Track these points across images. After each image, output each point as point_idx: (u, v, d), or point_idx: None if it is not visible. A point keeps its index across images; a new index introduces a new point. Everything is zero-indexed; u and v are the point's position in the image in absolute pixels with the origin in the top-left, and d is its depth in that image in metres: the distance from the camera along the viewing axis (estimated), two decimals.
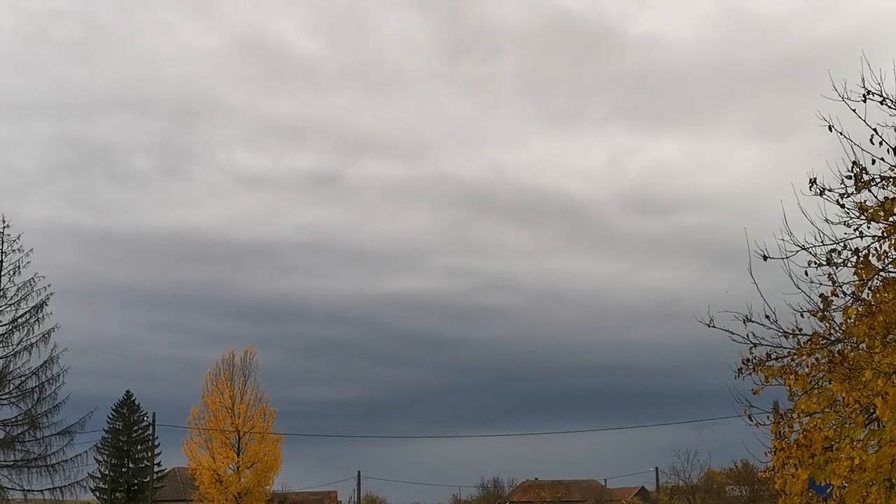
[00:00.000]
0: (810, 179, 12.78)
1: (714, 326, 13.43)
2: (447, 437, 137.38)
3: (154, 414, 62.78)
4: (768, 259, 12.91)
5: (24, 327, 45.63)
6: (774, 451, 13.69)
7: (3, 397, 45.22)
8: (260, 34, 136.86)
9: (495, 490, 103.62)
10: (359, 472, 76.17)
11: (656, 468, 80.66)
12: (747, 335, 13.37)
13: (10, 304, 45.54)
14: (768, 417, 13.90)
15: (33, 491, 45.47)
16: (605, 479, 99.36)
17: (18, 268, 45.65)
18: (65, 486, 45.85)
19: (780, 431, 13.58)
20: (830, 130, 12.38)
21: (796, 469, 13.04)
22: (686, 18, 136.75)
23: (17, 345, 45.52)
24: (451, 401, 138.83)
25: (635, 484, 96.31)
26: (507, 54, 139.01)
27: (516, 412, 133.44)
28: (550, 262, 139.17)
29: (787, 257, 13.01)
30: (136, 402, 70.31)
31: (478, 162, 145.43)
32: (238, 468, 56.25)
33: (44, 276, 46.20)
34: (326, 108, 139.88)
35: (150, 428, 64.03)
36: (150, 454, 66.20)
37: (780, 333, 13.38)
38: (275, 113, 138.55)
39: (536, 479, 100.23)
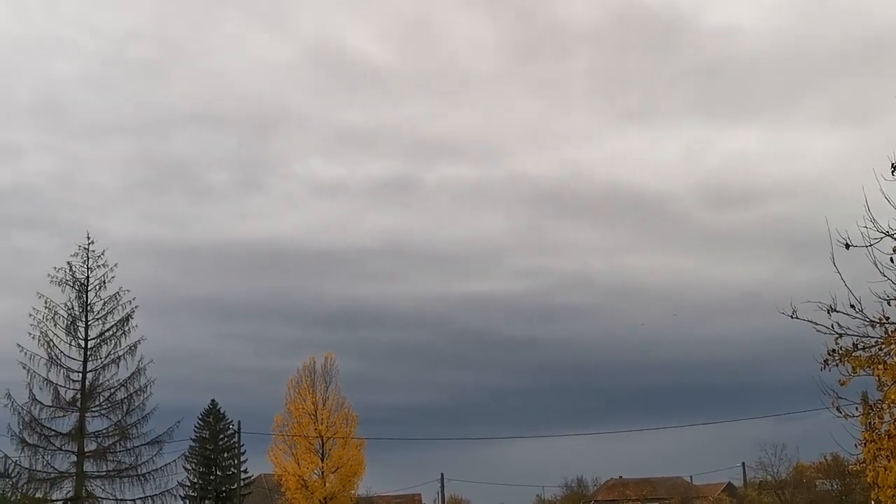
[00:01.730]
0: (892, 164, 12.50)
1: (797, 318, 13.21)
2: (529, 438, 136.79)
3: (239, 422, 63.71)
4: (851, 247, 12.65)
5: (111, 340, 46.69)
6: (865, 443, 13.40)
7: (93, 409, 46.33)
8: (331, 44, 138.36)
9: (579, 489, 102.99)
10: (442, 474, 76.44)
11: (743, 463, 79.40)
12: (832, 325, 13.12)
13: (98, 319, 46.63)
14: (857, 409, 13.61)
15: (126, 500, 46.42)
16: (691, 476, 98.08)
17: (104, 283, 46.77)
18: (156, 494, 46.72)
19: (870, 423, 13.29)
20: None
21: (889, 461, 12.74)
22: (759, 6, 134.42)
23: (106, 358, 46.59)
24: (531, 401, 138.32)
25: (722, 480, 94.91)
26: (578, 52, 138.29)
27: (597, 411, 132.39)
28: (627, 259, 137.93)
29: (870, 245, 12.74)
30: (222, 411, 71.51)
31: (551, 161, 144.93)
32: (323, 473, 56.82)
33: (128, 290, 47.29)
34: (398, 115, 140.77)
35: (236, 436, 64.97)
36: (236, 462, 67.16)
37: (866, 323, 13.10)
38: (348, 121, 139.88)
39: (621, 477, 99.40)
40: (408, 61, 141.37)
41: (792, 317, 13.21)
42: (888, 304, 12.96)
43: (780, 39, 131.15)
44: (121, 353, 46.63)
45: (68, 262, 46.40)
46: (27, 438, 45.26)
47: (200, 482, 69.26)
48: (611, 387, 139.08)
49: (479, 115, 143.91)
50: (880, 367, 12.88)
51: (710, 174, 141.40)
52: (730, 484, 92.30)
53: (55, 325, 45.98)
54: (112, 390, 46.62)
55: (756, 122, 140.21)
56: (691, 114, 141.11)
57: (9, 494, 42.76)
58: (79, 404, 45.82)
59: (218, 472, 70.41)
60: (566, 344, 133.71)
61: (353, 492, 59.07)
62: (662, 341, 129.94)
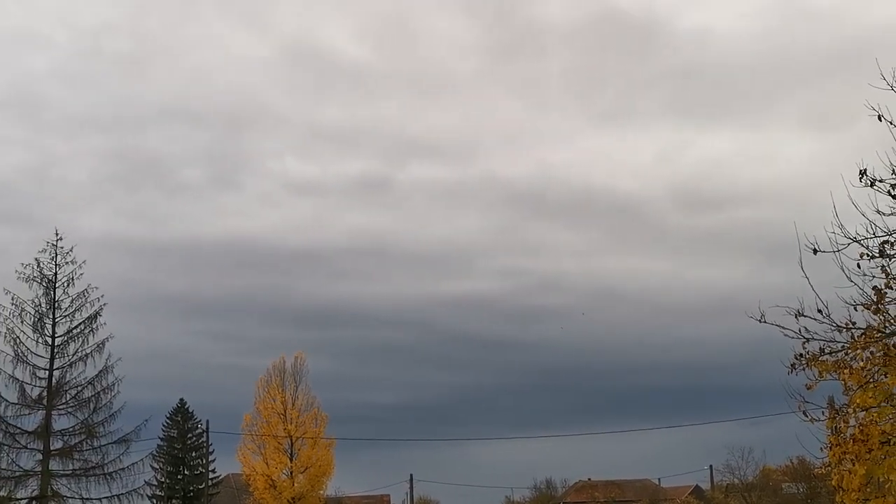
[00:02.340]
0: (860, 171, 12.62)
1: (765, 322, 13.31)
2: (499, 440, 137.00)
3: (208, 421, 63.39)
4: (819, 252, 12.75)
5: (78, 338, 46.29)
6: (830, 447, 13.51)
7: (60, 407, 45.93)
8: (308, 41, 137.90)
9: (548, 491, 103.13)
10: (411, 475, 76.35)
11: (710, 466, 79.95)
12: (800, 330, 13.23)
13: (65, 316, 46.23)
14: (823, 413, 13.73)
15: (92, 499, 46.06)
16: (659, 479, 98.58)
17: (72, 279, 46.37)
18: (122, 493, 46.39)
19: (835, 427, 13.41)
20: (880, 120, 12.21)
21: (853, 464, 12.85)
22: (735, 11, 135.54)
23: (73, 355, 46.19)
24: (504, 402, 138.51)
25: (689, 483, 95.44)
26: (555, 53, 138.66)
27: (569, 413, 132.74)
28: (602, 262, 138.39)
29: (838, 250, 12.86)
30: (190, 410, 71.08)
31: (527, 162, 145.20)
32: (291, 473, 56.70)
33: (97, 287, 46.90)
34: (375, 114, 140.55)
35: (204, 435, 64.66)
36: (204, 461, 66.84)
37: (833, 328, 13.23)
38: (324, 120, 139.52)
39: (590, 479, 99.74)
40: (385, 60, 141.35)
41: (760, 321, 13.32)
42: (855, 309, 13.10)
43: (756, 44, 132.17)
44: (88, 350, 46.28)
45: (36, 259, 46.02)
46: None
47: (168, 481, 68.78)
48: (584, 389, 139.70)
49: (456, 115, 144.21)
50: (846, 371, 13.00)
51: (684, 177, 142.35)
52: (697, 487, 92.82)
53: (22, 322, 45.56)
54: (79, 388, 46.24)
55: (730, 125, 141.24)
56: (666, 116, 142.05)
57: None
58: (45, 402, 45.41)
59: (186, 472, 69.99)
60: (540, 345, 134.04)
61: (321, 492, 59.00)
62: (636, 344, 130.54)
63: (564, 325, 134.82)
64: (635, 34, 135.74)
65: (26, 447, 45.36)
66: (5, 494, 44.99)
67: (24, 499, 45.78)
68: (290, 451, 56.90)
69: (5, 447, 44.98)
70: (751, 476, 69.31)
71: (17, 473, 45.24)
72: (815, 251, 12.83)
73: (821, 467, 15.05)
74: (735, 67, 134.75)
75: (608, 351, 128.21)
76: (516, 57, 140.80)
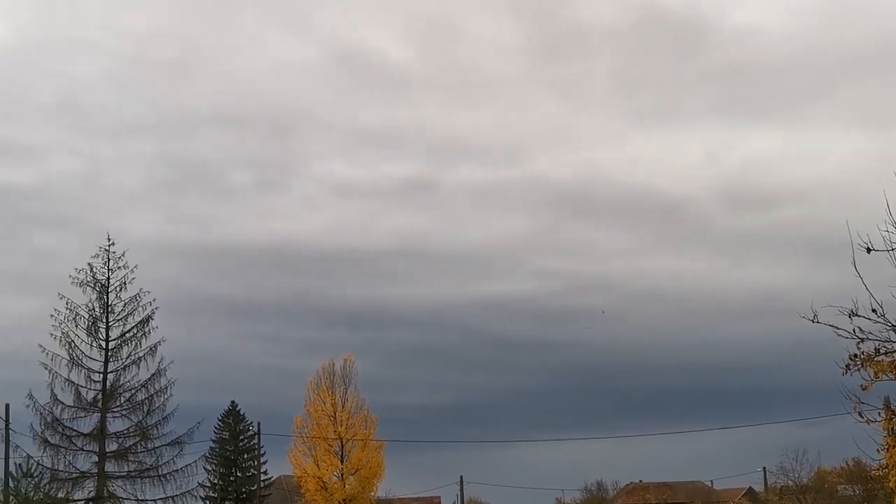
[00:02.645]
0: None
1: (818, 322, 13.12)
2: (549, 441, 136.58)
3: (259, 423, 63.83)
4: (872, 251, 12.55)
5: (131, 342, 47.00)
6: (887, 449, 13.30)
7: (114, 410, 46.65)
8: (351, 44, 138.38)
9: (599, 493, 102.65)
10: (461, 476, 76.18)
11: (764, 468, 78.84)
12: (854, 330, 13.02)
13: (118, 320, 46.96)
14: (879, 414, 13.51)
15: (147, 501, 46.79)
16: (712, 480, 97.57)
17: (124, 284, 47.11)
18: (176, 495, 47.05)
19: (892, 428, 13.20)
20: None
21: None
22: (782, 7, 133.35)
23: (126, 359, 46.92)
24: (550, 404, 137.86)
25: (742, 484, 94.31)
26: (600, 54, 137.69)
27: (618, 414, 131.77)
28: (647, 262, 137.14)
29: (892, 249, 12.64)
30: (241, 413, 71.70)
31: (571, 163, 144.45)
32: (342, 475, 56.92)
33: (149, 292, 47.60)
34: (419, 116, 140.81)
35: (256, 437, 65.18)
36: (256, 463, 67.39)
37: (888, 327, 13.01)
38: (368, 122, 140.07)
39: (641, 481, 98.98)
40: (428, 62, 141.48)
41: (813, 321, 13.13)
42: None
43: (803, 40, 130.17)
44: (141, 353, 46.98)
45: (89, 264, 46.79)
46: (49, 438, 45.65)
47: (220, 483, 69.44)
48: (631, 389, 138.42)
49: (500, 117, 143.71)
50: None
51: (730, 176, 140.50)
52: (750, 489, 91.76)
53: (76, 326, 46.43)
54: (133, 391, 46.94)
55: (778, 123, 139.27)
56: (712, 115, 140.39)
57: (31, 494, 43.05)
58: (100, 405, 46.14)
59: (238, 474, 70.60)
60: (586, 346, 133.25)
61: (372, 493, 59.13)
62: (683, 344, 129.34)
63: (596, 325, 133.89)
64: (681, 33, 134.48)
65: (83, 449, 46.18)
66: (63, 496, 45.80)
67: (81, 500, 46.63)
68: (340, 452, 57.12)
69: (62, 449, 45.80)
70: (805, 478, 68.34)
71: (75, 475, 46.06)
72: (868, 250, 12.63)
73: (878, 469, 14.80)
74: (782, 64, 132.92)
75: (657, 351, 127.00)
76: (560, 58, 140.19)
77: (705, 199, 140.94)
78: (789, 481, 69.19)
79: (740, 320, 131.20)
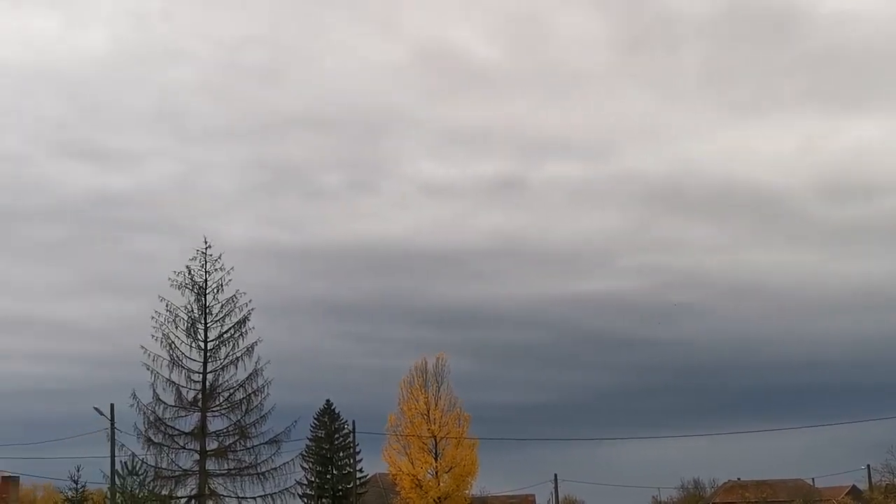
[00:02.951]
0: None
1: None
2: (644, 439, 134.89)
3: (354, 422, 64.44)
4: None
5: (229, 342, 47.88)
6: None
7: (214, 409, 47.61)
8: (439, 44, 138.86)
9: (696, 491, 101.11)
10: (555, 475, 75.71)
11: (868, 466, 76.74)
12: None
13: (216, 321, 47.87)
14: None
15: (246, 498, 47.55)
16: (813, 479, 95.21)
17: (221, 286, 47.99)
18: (275, 492, 47.72)
19: None
20: None
21: None
22: None
23: (224, 359, 47.81)
24: (645, 401, 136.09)
25: (846, 483, 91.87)
26: (689, 44, 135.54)
27: (714, 411, 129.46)
28: (742, 256, 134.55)
29: None
30: (337, 411, 72.56)
31: (663, 157, 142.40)
32: (437, 473, 57.16)
33: (245, 293, 48.39)
34: (508, 113, 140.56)
35: (351, 436, 65.90)
36: (351, 461, 68.11)
37: None
38: (457, 121, 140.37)
39: (739, 479, 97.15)
40: (516, 59, 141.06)
41: None
42: None
43: None
44: (239, 354, 47.80)
45: (187, 266, 47.80)
46: (152, 437, 46.82)
47: (317, 481, 70.42)
48: (728, 386, 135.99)
49: (589, 112, 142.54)
50: None
51: (828, 167, 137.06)
52: (854, 487, 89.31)
53: (176, 328, 47.43)
54: (231, 390, 47.81)
55: (876, 111, 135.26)
56: (808, 104, 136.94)
57: (137, 491, 44.25)
58: (200, 404, 47.14)
59: (334, 471, 71.48)
60: (681, 343, 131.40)
61: (466, 492, 59.28)
62: (780, 340, 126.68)
63: (704, 322, 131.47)
64: (772, 20, 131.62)
65: (184, 447, 47.24)
66: (166, 493, 46.97)
67: (184, 497, 47.68)
68: (434, 450, 57.40)
69: (165, 448, 46.93)
70: None
71: (177, 473, 47.15)
72: None
73: None
74: (878, 50, 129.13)
75: (752, 347, 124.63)
76: (649, 50, 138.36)
77: (802, 191, 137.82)
78: (895, 479, 67.23)
79: (839, 314, 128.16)
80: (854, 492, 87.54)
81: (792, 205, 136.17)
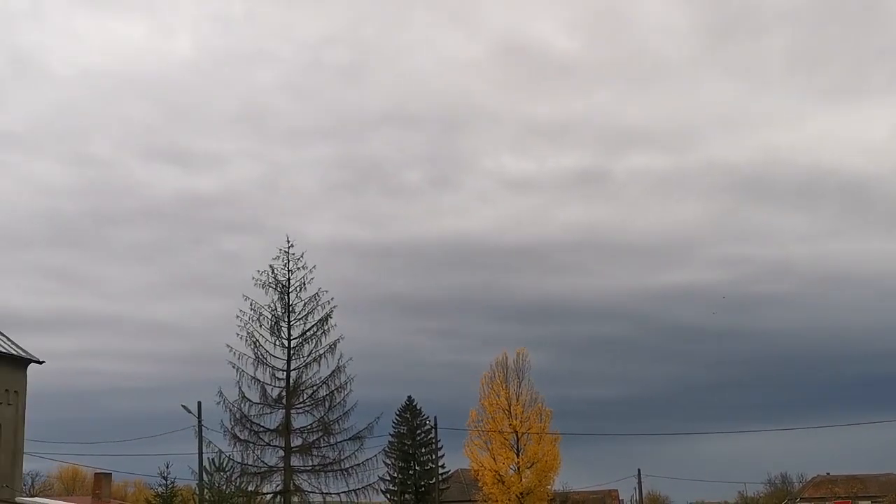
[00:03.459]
0: None
1: None
2: (728, 433, 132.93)
3: (435, 418, 64.64)
4: None
5: (312, 340, 48.31)
6: None
7: (298, 406, 48.13)
8: (519, 38, 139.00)
9: (784, 486, 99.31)
10: (639, 470, 75.12)
11: None
12: None
13: (299, 319, 48.35)
14: None
15: (331, 494, 47.92)
16: None
17: (304, 284, 48.45)
18: (359, 488, 48.06)
19: None
20: None
21: None
22: None
23: (308, 356, 48.25)
24: (729, 395, 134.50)
25: None
26: (775, 31, 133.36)
27: (800, 404, 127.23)
28: (831, 245, 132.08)
29: None
30: (418, 407, 72.88)
31: (748, 146, 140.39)
32: (518, 468, 57.07)
33: (327, 291, 48.79)
34: (588, 106, 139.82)
35: (433, 431, 66.11)
36: (434, 457, 68.32)
37: None
38: (537, 115, 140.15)
39: (828, 473, 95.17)
40: (597, 50, 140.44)
41: None
42: None
43: None
44: (322, 351, 48.19)
45: (270, 266, 48.38)
46: (238, 434, 47.52)
47: (400, 477, 70.84)
48: (815, 379, 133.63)
49: (672, 102, 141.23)
50: None
51: None
52: None
53: (260, 326, 48.02)
54: (314, 387, 48.23)
55: None
56: None
57: (224, 487, 44.98)
58: (284, 401, 47.71)
59: (416, 467, 71.80)
60: (767, 334, 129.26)
61: (549, 487, 59.10)
62: (871, 330, 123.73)
63: (792, 313, 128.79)
64: (860, 4, 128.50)
65: (269, 444, 47.84)
66: (253, 489, 47.69)
67: (269, 493, 48.33)
68: (516, 446, 57.31)
69: (251, 444, 47.61)
70: None
71: (262, 469, 47.80)
72: None
73: None
74: None
75: (840, 338, 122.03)
76: (733, 38, 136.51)
77: (892, 178, 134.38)
78: None
79: None
80: None
81: (881, 192, 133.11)
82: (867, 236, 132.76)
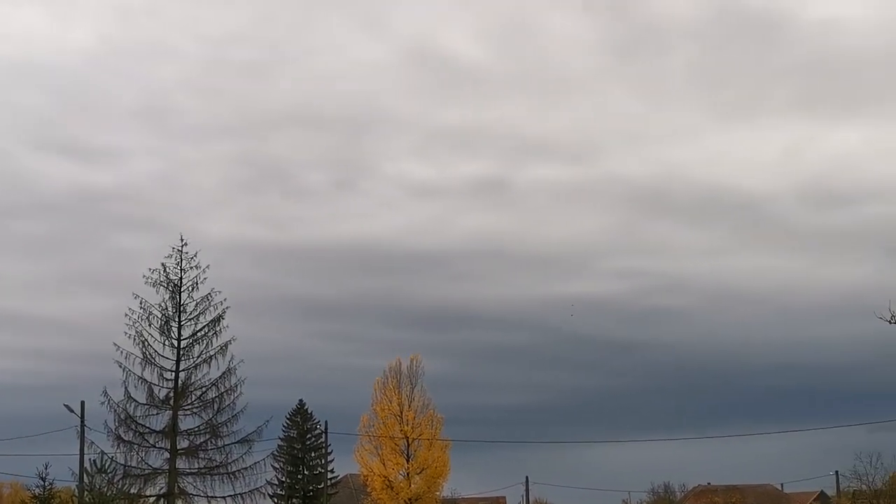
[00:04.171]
0: None
1: None
2: (616, 443, 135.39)
3: (326, 422, 64.43)
4: None
5: (203, 340, 47.63)
6: None
7: (186, 408, 47.37)
8: (428, 45, 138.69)
9: (666, 495, 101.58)
10: (527, 477, 75.90)
11: (836, 472, 77.52)
12: None
13: (190, 319, 47.61)
14: None
15: (216, 497, 47.37)
16: (782, 484, 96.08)
17: (196, 284, 47.72)
18: (245, 492, 47.60)
19: None
20: None
21: None
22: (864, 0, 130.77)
23: (198, 357, 47.55)
24: (622, 405, 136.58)
25: (814, 488, 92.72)
26: (678, 49, 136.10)
27: (690, 415, 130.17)
28: (726, 261, 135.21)
29: None
30: (309, 411, 72.29)
31: (649, 161, 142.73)
32: (408, 474, 57.20)
33: (220, 291, 48.12)
34: (495, 115, 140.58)
35: (323, 436, 65.77)
36: (323, 461, 67.97)
37: None
38: (444, 122, 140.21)
39: (709, 483, 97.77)
40: (505, 61, 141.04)
41: (891, 321, 12.85)
42: None
43: (886, 34, 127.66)
44: (212, 352, 47.56)
45: (162, 264, 47.52)
46: (122, 435, 46.55)
47: (288, 481, 70.17)
48: (705, 392, 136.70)
49: (577, 115, 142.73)
50: None
51: (812, 173, 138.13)
52: (822, 493, 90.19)
53: (150, 325, 47.16)
54: (203, 389, 47.58)
55: (861, 119, 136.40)
56: (793, 111, 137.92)
57: (105, 489, 43.91)
58: (172, 403, 46.93)
59: (305, 472, 71.25)
60: (661, 347, 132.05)
61: (437, 493, 59.34)
62: (761, 346, 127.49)
63: (686, 327, 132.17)
64: (760, 27, 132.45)
65: (154, 446, 46.97)
66: (135, 491, 46.70)
67: (153, 496, 47.43)
68: (406, 452, 57.42)
69: (135, 446, 46.68)
70: (879, 482, 66.90)
71: (146, 471, 46.89)
72: None
73: None
74: (865, 58, 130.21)
75: (730, 352, 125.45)
76: (638, 54, 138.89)
77: (786, 197, 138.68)
78: (863, 486, 67.82)
79: (820, 321, 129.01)
80: (822, 498, 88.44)
81: (775, 211, 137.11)
82: (759, 254, 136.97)
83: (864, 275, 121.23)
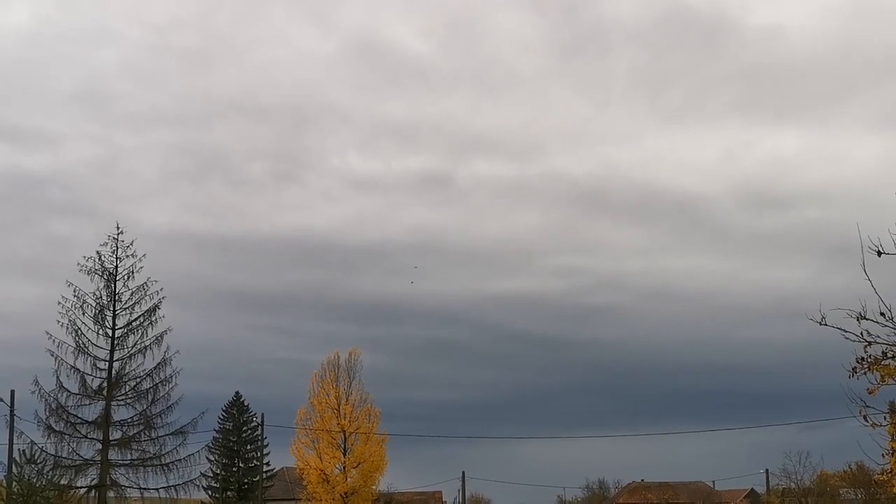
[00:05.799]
0: None
1: (826, 324, 13.06)
2: (552, 439, 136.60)
3: (263, 415, 63.93)
4: (883, 255, 12.51)
5: (138, 330, 47.13)
6: (892, 453, 13.29)
7: (119, 398, 46.77)
8: (374, 38, 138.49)
9: (601, 491, 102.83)
10: (463, 472, 76.34)
11: (766, 470, 78.85)
12: (861, 333, 12.98)
13: (125, 308, 47.08)
14: (885, 418, 13.49)
15: (149, 489, 46.88)
16: (714, 481, 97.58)
17: (132, 273, 47.19)
18: (179, 484, 47.15)
19: None
20: None
21: None
22: (806, 7, 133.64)
23: (132, 347, 47.05)
24: (559, 401, 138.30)
25: (744, 486, 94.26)
26: (622, 52, 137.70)
27: (626, 413, 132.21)
28: (663, 261, 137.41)
29: None
30: (246, 403, 71.86)
31: (590, 160, 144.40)
32: (344, 468, 56.98)
33: (156, 281, 47.70)
34: (439, 110, 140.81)
35: (259, 428, 65.32)
36: (259, 454, 67.55)
37: None
38: (388, 116, 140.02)
39: (643, 480, 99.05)
40: (450, 57, 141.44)
41: (821, 323, 13.07)
42: None
43: (827, 42, 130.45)
44: (147, 342, 47.10)
45: (98, 252, 46.95)
46: (53, 425, 45.82)
47: (223, 473, 69.63)
48: (641, 389, 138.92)
49: (520, 113, 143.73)
50: None
51: (749, 176, 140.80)
52: (752, 490, 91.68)
53: (83, 314, 46.58)
54: (138, 380, 47.08)
55: (798, 124, 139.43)
56: (733, 115, 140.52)
57: (35, 480, 43.13)
58: (105, 393, 46.26)
59: (241, 464, 70.78)
60: (598, 345, 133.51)
61: (373, 487, 59.22)
62: (696, 345, 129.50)
63: (623, 325, 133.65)
64: (704, 32, 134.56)
65: (86, 437, 46.32)
66: (66, 482, 45.92)
67: (84, 487, 46.71)
68: (343, 446, 57.21)
69: (66, 436, 45.94)
70: (808, 481, 68.27)
71: (77, 462, 46.19)
72: (879, 253, 12.58)
73: (881, 474, 14.76)
74: (804, 66, 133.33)
75: (665, 351, 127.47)
76: (582, 55, 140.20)
77: (722, 200, 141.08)
78: (791, 484, 69.12)
79: (753, 322, 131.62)
80: (752, 495, 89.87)
81: (711, 213, 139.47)
82: (696, 254, 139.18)
83: (797, 278, 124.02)
